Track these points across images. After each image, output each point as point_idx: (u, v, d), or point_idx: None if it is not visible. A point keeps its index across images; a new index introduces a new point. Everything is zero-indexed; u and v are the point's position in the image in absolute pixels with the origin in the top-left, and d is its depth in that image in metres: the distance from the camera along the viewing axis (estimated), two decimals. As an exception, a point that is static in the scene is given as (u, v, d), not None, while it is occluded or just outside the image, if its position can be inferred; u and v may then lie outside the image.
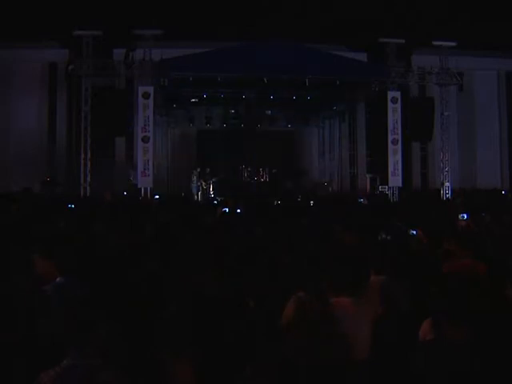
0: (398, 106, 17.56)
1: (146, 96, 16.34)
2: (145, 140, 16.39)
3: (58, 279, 3.49)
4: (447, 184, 18.63)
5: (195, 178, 20.10)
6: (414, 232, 6.12)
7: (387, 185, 18.64)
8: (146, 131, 16.37)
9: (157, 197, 16.78)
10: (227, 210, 9.39)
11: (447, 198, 18.11)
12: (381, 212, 10.39)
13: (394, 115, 17.53)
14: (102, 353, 2.24)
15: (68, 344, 2.25)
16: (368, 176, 24.62)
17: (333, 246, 4.78)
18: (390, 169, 17.64)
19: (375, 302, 3.44)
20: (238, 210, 9.65)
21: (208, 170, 20.40)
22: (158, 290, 3.29)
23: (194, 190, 20.06)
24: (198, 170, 20.41)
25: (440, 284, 3.32)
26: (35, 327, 2.81)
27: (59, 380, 2.17)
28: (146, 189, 16.49)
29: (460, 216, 7.41)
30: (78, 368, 2.19)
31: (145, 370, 2.32)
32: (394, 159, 17.63)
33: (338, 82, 17.21)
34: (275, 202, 15.53)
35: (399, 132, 17.60)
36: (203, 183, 20.02)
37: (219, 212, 9.16)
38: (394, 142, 17.60)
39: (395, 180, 17.78)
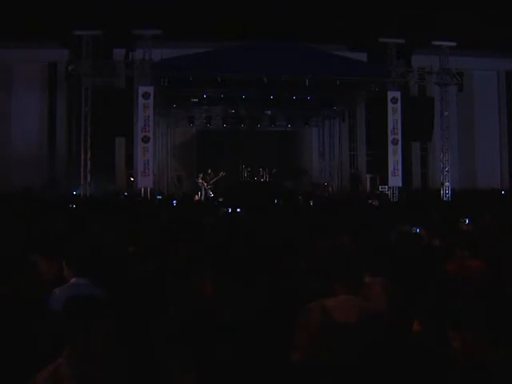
0: (398, 106, 17.56)
1: (146, 96, 16.34)
2: (145, 140, 16.39)
3: (72, 280, 3.49)
4: (447, 184, 18.62)
5: (200, 179, 20.15)
6: (418, 230, 6.13)
7: (387, 185, 18.64)
8: (146, 131, 16.37)
9: (159, 197, 16.81)
10: (229, 210, 9.41)
11: (448, 199, 18.12)
12: (384, 212, 10.40)
13: (394, 115, 17.53)
14: (99, 353, 2.24)
15: (66, 343, 2.26)
16: (368, 176, 24.63)
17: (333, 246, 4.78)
18: (390, 169, 17.64)
19: (372, 303, 3.44)
20: (238, 210, 9.66)
21: (210, 170, 20.43)
22: (159, 291, 3.29)
23: (199, 191, 20.11)
24: (202, 174, 20.45)
25: (438, 285, 3.33)
26: (37, 328, 2.81)
27: (53, 377, 2.17)
28: (145, 189, 16.52)
29: (462, 220, 7.41)
30: (70, 366, 2.19)
31: (144, 373, 2.33)
32: (394, 159, 17.63)
33: (338, 82, 17.21)
34: (275, 202, 15.56)
35: (399, 132, 17.59)
36: (205, 184, 20.04)
37: (221, 213, 9.17)
38: (394, 141, 17.61)
39: (395, 180, 17.78)
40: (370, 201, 17.24)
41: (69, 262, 3.58)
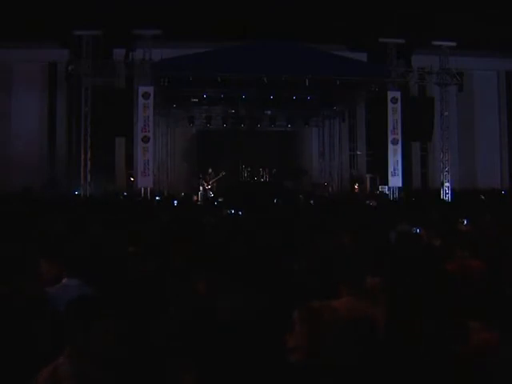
0: (398, 105, 17.55)
1: (146, 96, 16.34)
2: (145, 140, 16.39)
3: (64, 280, 3.49)
4: (447, 184, 18.62)
5: (201, 179, 20.18)
6: (418, 230, 6.14)
7: (387, 185, 18.64)
8: (146, 131, 16.37)
9: (157, 198, 16.80)
10: (232, 211, 9.41)
11: (448, 199, 18.11)
12: (384, 212, 10.39)
13: (394, 115, 17.53)
14: (99, 353, 2.25)
15: (66, 343, 2.26)
16: (368, 176, 24.61)
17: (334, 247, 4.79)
18: (390, 169, 17.64)
19: (371, 304, 3.44)
20: (240, 212, 9.66)
21: (210, 170, 20.43)
22: (159, 291, 3.29)
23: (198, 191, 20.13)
24: (202, 174, 20.48)
25: (438, 285, 3.33)
26: (37, 328, 2.81)
27: (53, 377, 2.18)
28: (145, 189, 16.52)
29: (461, 220, 7.42)
30: (70, 366, 2.20)
31: (144, 373, 2.33)
32: (394, 159, 17.63)
33: (338, 82, 17.20)
34: (275, 202, 15.56)
35: (399, 132, 17.58)
36: (205, 184, 20.05)
37: (224, 213, 9.17)
38: (394, 142, 17.61)
39: (395, 180, 17.78)
40: (367, 201, 17.22)
41: (62, 262, 3.58)
